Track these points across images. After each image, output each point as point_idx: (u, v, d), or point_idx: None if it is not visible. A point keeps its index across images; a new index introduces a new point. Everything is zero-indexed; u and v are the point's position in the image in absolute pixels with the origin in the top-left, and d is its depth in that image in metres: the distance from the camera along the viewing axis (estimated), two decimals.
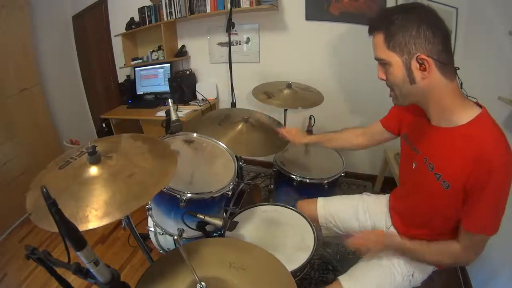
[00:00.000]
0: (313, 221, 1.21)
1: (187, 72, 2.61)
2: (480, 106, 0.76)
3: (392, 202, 1.13)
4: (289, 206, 1.27)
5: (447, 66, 0.72)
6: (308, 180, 1.52)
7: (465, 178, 0.72)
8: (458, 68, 0.76)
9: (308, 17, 2.15)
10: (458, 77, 0.76)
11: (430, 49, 0.69)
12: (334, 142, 1.28)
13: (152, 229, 1.36)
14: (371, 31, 0.77)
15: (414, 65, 0.72)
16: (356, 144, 1.23)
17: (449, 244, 0.83)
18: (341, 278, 0.97)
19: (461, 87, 0.78)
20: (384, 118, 1.12)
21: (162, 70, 2.64)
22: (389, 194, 1.19)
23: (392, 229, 1.08)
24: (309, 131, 1.92)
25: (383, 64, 0.78)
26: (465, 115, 0.74)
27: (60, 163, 0.77)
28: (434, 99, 0.77)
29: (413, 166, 0.92)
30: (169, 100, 1.34)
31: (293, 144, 1.35)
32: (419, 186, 0.90)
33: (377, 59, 0.79)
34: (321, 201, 1.26)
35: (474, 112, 0.74)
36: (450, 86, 0.74)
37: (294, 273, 0.96)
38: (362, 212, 1.18)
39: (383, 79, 0.81)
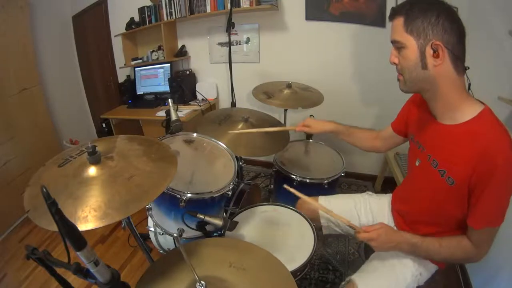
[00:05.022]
0: (314, 220, 1.21)
1: (187, 72, 2.61)
2: (483, 104, 0.77)
3: (394, 203, 1.13)
4: (289, 206, 1.27)
5: (459, 59, 0.74)
6: (308, 180, 1.52)
7: (469, 174, 0.73)
8: (468, 68, 0.77)
9: (308, 17, 2.15)
10: (467, 76, 0.78)
11: (446, 39, 0.72)
12: (353, 138, 1.23)
13: (152, 229, 1.36)
14: (393, 16, 0.79)
15: (428, 51, 0.74)
16: (371, 146, 1.22)
17: (460, 240, 0.83)
18: (355, 278, 0.96)
19: (469, 88, 0.79)
20: (393, 121, 1.12)
21: (162, 70, 2.64)
22: (391, 194, 1.19)
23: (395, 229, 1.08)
24: None
25: (398, 47, 0.79)
26: (469, 112, 0.76)
27: (59, 161, 0.77)
28: (441, 92, 0.78)
29: (416, 163, 0.92)
30: (169, 100, 1.34)
31: (317, 133, 1.28)
32: (423, 183, 0.90)
33: (393, 41, 0.80)
34: (322, 200, 1.25)
35: (477, 109, 0.76)
36: (457, 81, 0.76)
37: (294, 273, 0.96)
38: (364, 212, 1.18)
39: (394, 63, 0.83)
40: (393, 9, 0.80)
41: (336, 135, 1.24)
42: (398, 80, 0.85)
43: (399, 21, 0.77)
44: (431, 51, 0.73)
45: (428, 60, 0.74)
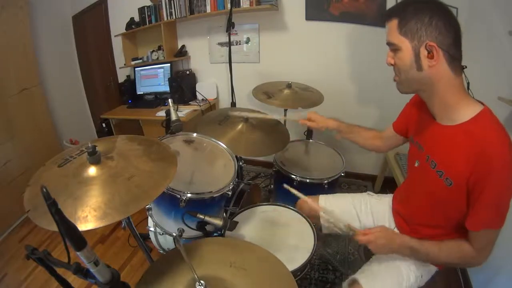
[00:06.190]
0: (314, 219, 1.21)
1: (187, 72, 2.61)
2: (482, 104, 0.77)
3: (394, 204, 1.13)
4: (289, 206, 1.27)
5: (455, 60, 0.74)
6: (308, 180, 1.52)
7: (467, 175, 0.73)
8: (465, 67, 0.77)
9: (308, 17, 2.15)
10: (465, 76, 0.77)
11: (441, 40, 0.72)
12: (355, 137, 1.23)
13: (152, 229, 1.36)
14: (387, 18, 0.79)
15: (423, 52, 0.74)
16: (373, 145, 1.22)
17: (460, 244, 0.82)
18: (360, 279, 0.95)
19: (468, 88, 0.78)
20: (395, 121, 1.13)
21: (162, 70, 2.64)
22: (391, 195, 1.18)
23: (395, 231, 1.07)
24: (309, 131, 1.93)
25: (394, 49, 0.80)
26: (467, 112, 0.75)
27: (59, 161, 0.77)
28: (438, 92, 0.78)
29: (416, 164, 0.92)
30: (169, 100, 1.34)
31: (319, 129, 1.24)
32: (422, 184, 0.90)
33: (388, 43, 0.81)
34: (322, 199, 1.25)
35: (476, 109, 0.75)
36: (455, 81, 0.75)
37: (294, 273, 0.96)
38: (364, 212, 1.17)
39: (391, 64, 0.83)
40: (387, 11, 0.80)
41: (339, 132, 1.24)
42: (395, 80, 0.85)
43: (394, 23, 0.77)
44: (426, 52, 0.73)
45: (422, 62, 0.74)
